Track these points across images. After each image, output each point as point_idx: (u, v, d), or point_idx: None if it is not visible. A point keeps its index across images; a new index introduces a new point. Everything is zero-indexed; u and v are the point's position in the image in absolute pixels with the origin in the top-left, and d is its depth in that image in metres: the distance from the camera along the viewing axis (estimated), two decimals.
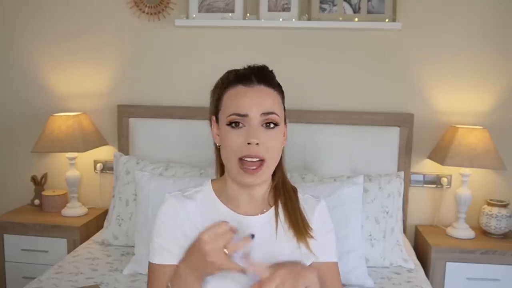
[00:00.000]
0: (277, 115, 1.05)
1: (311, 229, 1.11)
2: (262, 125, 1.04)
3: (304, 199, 1.17)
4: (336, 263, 1.17)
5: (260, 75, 1.08)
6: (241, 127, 1.04)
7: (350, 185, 1.79)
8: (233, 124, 1.04)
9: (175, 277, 1.03)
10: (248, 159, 1.03)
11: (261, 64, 1.13)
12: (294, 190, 1.17)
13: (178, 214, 1.10)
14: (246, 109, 1.03)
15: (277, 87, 1.11)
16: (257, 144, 1.02)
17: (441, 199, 2.25)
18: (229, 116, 1.05)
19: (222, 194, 1.13)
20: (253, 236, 0.98)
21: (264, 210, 1.12)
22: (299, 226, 1.09)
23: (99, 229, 2.20)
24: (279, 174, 1.14)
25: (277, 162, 1.10)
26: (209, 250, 0.96)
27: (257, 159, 1.03)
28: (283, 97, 1.13)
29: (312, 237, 1.10)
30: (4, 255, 2.22)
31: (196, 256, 0.99)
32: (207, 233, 0.97)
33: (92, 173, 2.45)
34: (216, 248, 0.96)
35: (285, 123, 1.13)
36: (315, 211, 1.15)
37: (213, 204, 1.12)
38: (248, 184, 1.06)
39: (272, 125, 1.05)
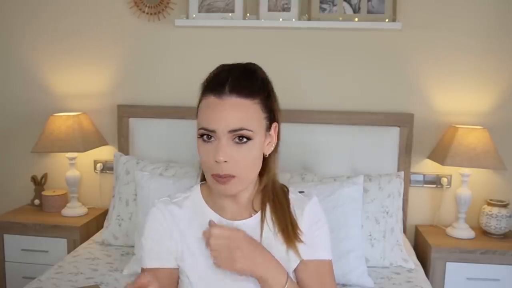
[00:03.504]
0: (248, 130, 1.00)
1: (302, 232, 1.09)
2: (233, 140, 1.00)
3: (295, 199, 1.15)
4: (329, 261, 1.14)
5: (235, 84, 1.01)
6: (211, 141, 1.02)
7: (350, 185, 1.79)
8: (204, 137, 1.03)
9: None
10: (218, 176, 1.02)
11: (245, 63, 1.09)
12: (285, 192, 1.14)
13: (165, 219, 1.10)
14: (214, 124, 1.00)
15: (257, 94, 1.03)
16: (225, 162, 0.99)
17: (441, 199, 2.25)
18: (199, 129, 1.04)
19: (209, 199, 1.13)
20: None
21: (252, 214, 1.11)
22: (288, 231, 1.08)
23: (99, 229, 2.20)
24: (266, 178, 1.11)
25: (255, 174, 1.07)
26: None
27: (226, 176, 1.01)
28: (265, 102, 1.05)
29: (301, 241, 1.08)
30: (4, 255, 2.22)
31: None
32: None
33: (92, 173, 2.45)
34: None
35: (272, 127, 1.08)
36: (304, 211, 1.13)
37: (201, 210, 1.12)
38: (223, 194, 1.05)
39: (244, 139, 1.00)
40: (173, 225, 1.09)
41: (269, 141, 1.08)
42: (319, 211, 1.16)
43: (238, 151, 1.00)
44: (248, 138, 1.01)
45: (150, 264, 1.10)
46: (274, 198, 1.11)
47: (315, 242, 1.12)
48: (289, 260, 1.09)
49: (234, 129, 0.99)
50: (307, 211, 1.13)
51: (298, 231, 1.09)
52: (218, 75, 1.06)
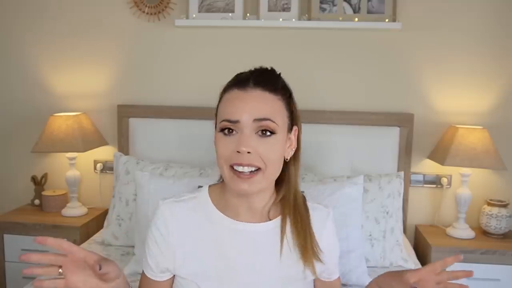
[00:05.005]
0: (273, 122, 0.96)
1: (322, 252, 1.05)
2: (256, 133, 0.96)
3: (313, 207, 1.10)
4: (339, 278, 1.18)
5: (259, 79, 0.99)
6: (233, 134, 0.96)
7: (350, 185, 1.79)
8: (226, 131, 0.97)
9: None
10: (240, 169, 0.95)
11: (268, 67, 1.05)
12: (305, 204, 1.09)
13: (167, 226, 1.05)
14: (238, 114, 0.95)
15: (280, 92, 1.01)
16: (248, 152, 0.94)
17: (441, 199, 2.25)
18: (221, 122, 0.97)
19: (220, 201, 1.07)
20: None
21: (265, 221, 1.06)
22: (307, 248, 1.03)
23: (99, 229, 2.20)
24: (287, 187, 1.06)
25: (277, 174, 1.02)
26: None
27: (250, 169, 0.95)
28: (288, 103, 1.03)
29: (320, 260, 1.04)
30: (4, 255, 2.22)
31: None
32: None
33: (92, 173, 2.45)
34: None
35: (292, 130, 1.04)
36: (326, 225, 1.10)
37: (208, 211, 1.07)
38: (243, 192, 0.97)
39: (268, 133, 0.96)
40: (174, 230, 1.05)
41: (289, 144, 1.03)
42: (335, 228, 1.13)
43: (262, 144, 0.95)
44: (272, 132, 0.96)
45: (147, 273, 1.11)
46: (296, 211, 1.05)
47: (332, 262, 1.12)
48: (305, 277, 1.07)
49: (259, 118, 0.95)
50: (329, 227, 1.11)
51: (317, 250, 1.04)
52: (239, 75, 1.03)
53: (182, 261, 1.05)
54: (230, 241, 1.04)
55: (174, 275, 1.10)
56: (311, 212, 1.08)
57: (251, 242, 1.04)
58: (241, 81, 1.00)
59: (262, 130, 0.96)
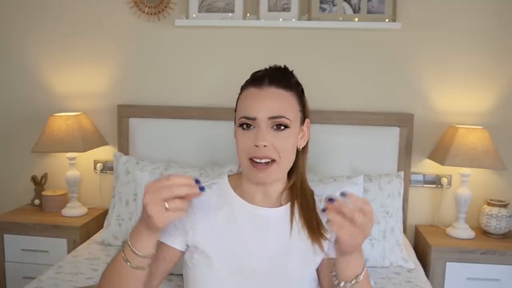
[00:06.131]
0: (286, 118, 1.06)
1: (326, 230, 1.11)
2: (272, 127, 1.06)
3: (319, 200, 1.17)
4: None
5: (273, 77, 1.09)
6: (251, 129, 1.07)
7: (350, 185, 1.79)
8: (244, 126, 1.07)
9: (132, 230, 1.02)
10: (258, 160, 1.05)
11: (281, 65, 1.14)
12: (311, 193, 1.18)
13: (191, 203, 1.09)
14: (255, 112, 1.05)
15: (293, 88, 1.11)
16: (265, 146, 1.04)
17: (441, 199, 2.25)
18: (239, 118, 1.08)
19: (237, 188, 1.16)
20: (202, 188, 0.93)
21: (278, 206, 1.14)
22: (313, 227, 1.11)
23: (99, 229, 2.20)
24: (296, 175, 1.16)
25: (291, 163, 1.12)
26: (146, 201, 0.95)
27: (266, 160, 1.05)
28: (300, 98, 1.13)
29: (326, 238, 1.11)
30: (4, 255, 2.22)
31: (143, 208, 0.97)
32: (149, 184, 0.95)
33: (92, 173, 2.45)
34: (155, 200, 0.93)
35: (305, 122, 1.14)
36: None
37: (228, 195, 1.15)
38: (260, 181, 1.08)
39: (282, 127, 1.06)
40: (195, 206, 1.10)
41: (301, 135, 1.14)
42: None
43: (277, 138, 1.06)
44: (286, 126, 1.07)
45: (162, 237, 1.11)
46: (302, 196, 1.14)
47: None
48: (314, 254, 1.11)
49: (273, 115, 1.05)
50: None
51: (323, 228, 1.11)
52: (256, 73, 1.13)
53: (201, 233, 1.10)
54: (246, 223, 1.11)
55: (182, 254, 1.12)
56: (316, 201, 1.16)
57: (264, 225, 1.12)
58: (257, 79, 1.10)
59: (277, 125, 1.06)
